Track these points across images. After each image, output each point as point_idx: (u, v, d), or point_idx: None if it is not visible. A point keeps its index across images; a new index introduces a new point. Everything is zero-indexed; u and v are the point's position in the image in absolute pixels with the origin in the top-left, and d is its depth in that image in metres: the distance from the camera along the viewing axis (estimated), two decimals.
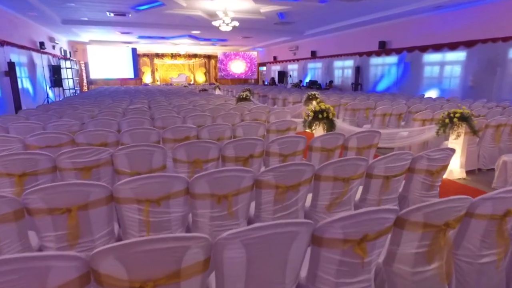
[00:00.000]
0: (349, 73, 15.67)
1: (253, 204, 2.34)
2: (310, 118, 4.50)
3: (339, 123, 4.79)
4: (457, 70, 10.54)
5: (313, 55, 18.07)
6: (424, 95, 10.38)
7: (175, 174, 2.47)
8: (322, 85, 16.29)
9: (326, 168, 2.33)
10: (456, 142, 4.32)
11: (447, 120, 4.23)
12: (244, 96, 7.55)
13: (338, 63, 16.50)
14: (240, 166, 2.98)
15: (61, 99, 13.37)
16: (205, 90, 12.29)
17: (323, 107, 4.46)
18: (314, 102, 7.97)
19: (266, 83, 23.10)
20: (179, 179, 2.04)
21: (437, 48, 10.92)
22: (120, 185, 1.93)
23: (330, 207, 2.43)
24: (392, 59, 13.09)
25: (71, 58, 18.64)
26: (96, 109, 6.07)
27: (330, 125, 4.46)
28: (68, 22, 13.52)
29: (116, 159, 2.73)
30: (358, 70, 14.65)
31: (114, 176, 2.81)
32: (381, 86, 13.63)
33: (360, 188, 2.66)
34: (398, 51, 12.61)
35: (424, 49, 11.45)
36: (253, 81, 26.30)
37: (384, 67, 13.59)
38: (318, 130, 4.51)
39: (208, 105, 6.95)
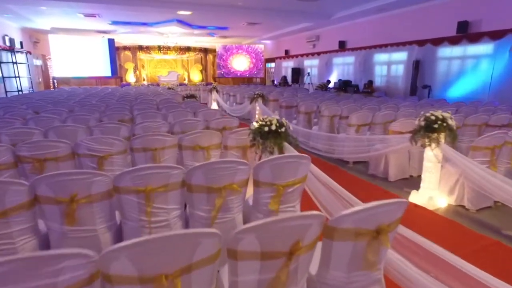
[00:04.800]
0: (399, 70, 10.83)
1: None
2: None
3: None
4: None
5: (342, 47, 13.22)
6: None
7: None
8: (359, 87, 11.42)
9: None
10: None
11: None
12: (274, 127, 2.73)
13: (380, 57, 11.65)
14: None
15: None
16: (192, 96, 7.46)
17: None
18: (442, 137, 3.15)
19: (275, 83, 18.24)
20: None
21: None
22: None
23: None
24: (482, 48, 8.26)
25: (22, 50, 13.79)
26: None
27: None
28: None
29: None
30: (417, 66, 9.82)
31: None
32: (459, 90, 8.80)
33: None
34: (494, 35, 7.79)
35: None
36: (258, 80, 21.42)
37: (465, 61, 8.75)
38: None
39: (159, 174, 2.11)
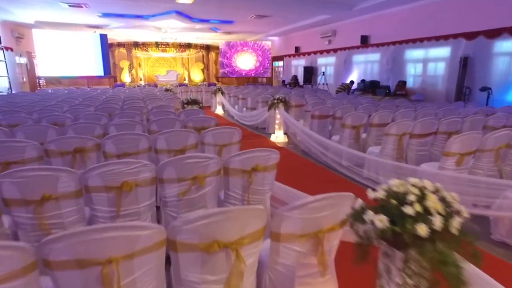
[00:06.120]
0: (439, 69, 9.03)
1: None
2: None
3: None
4: None
5: (364, 42, 11.40)
6: None
7: None
8: (390, 89, 9.60)
9: None
10: None
11: None
12: (440, 223, 0.96)
13: (414, 53, 9.85)
14: None
15: None
16: (194, 102, 5.62)
17: None
18: None
19: (285, 84, 16.44)
20: None
21: None
22: None
23: None
24: None
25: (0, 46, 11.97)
26: None
27: None
28: None
29: None
30: (465, 64, 8.03)
31: None
32: None
33: None
34: None
35: None
36: (264, 80, 19.62)
37: None
38: None
39: None
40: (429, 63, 9.34)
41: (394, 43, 10.31)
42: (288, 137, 6.32)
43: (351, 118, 4.38)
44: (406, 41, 9.85)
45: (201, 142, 3.13)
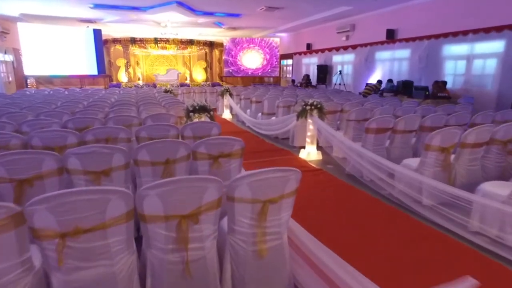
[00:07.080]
0: (489, 67, 7.54)
1: None
2: None
3: None
4: None
5: (390, 37, 9.94)
6: None
7: None
8: (428, 90, 8.10)
9: None
10: None
11: None
12: None
13: (454, 49, 8.37)
14: None
15: None
16: (204, 110, 4.18)
17: None
18: None
19: (295, 84, 14.96)
20: None
21: None
22: None
23: None
24: None
25: None
26: None
27: None
28: None
29: None
30: None
31: None
32: None
33: None
34: None
35: None
36: (271, 79, 18.13)
37: None
38: None
39: None
40: (474, 60, 7.85)
41: (428, 37, 8.85)
42: (323, 153, 4.85)
43: (440, 136, 2.92)
44: (445, 35, 8.39)
45: (230, 197, 1.67)
